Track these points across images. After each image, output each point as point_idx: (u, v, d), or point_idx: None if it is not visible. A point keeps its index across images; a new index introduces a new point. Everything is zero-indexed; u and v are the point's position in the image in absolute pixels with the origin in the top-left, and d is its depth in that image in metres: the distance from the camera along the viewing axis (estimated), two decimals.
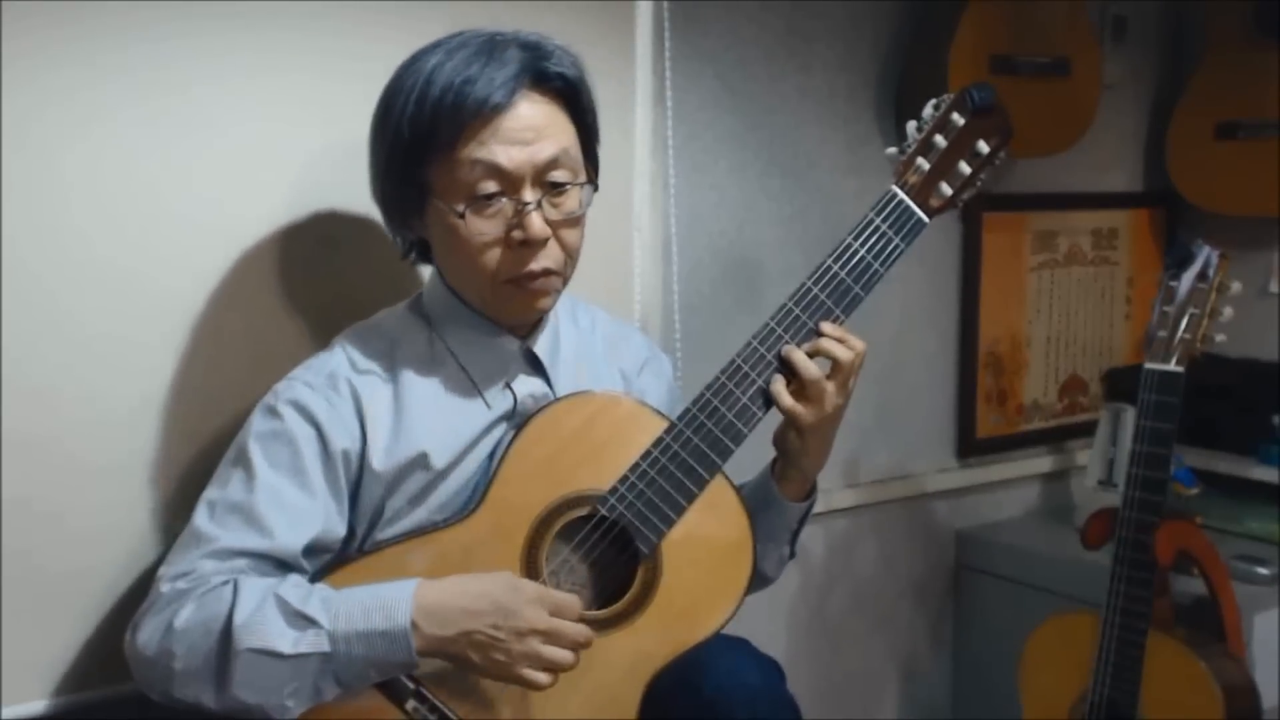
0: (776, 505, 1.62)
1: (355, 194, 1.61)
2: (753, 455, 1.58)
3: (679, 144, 2.20)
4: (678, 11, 2.15)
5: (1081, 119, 2.59)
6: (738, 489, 1.53)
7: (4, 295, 1.52)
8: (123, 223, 1.60)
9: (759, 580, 1.65)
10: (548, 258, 1.47)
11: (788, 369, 1.51)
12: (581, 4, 1.94)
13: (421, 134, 1.42)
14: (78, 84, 1.55)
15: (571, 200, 1.48)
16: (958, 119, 1.56)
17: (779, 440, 1.59)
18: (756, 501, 1.61)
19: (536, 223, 1.44)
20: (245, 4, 1.65)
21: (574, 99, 1.49)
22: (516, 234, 1.44)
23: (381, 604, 1.35)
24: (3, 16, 1.49)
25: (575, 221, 1.49)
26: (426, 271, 1.62)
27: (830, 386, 1.51)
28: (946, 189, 1.57)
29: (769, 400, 1.50)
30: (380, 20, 1.74)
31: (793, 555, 1.70)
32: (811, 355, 1.51)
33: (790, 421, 1.53)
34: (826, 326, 1.51)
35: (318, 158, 1.72)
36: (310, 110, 1.72)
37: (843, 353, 1.50)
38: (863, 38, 2.45)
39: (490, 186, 1.43)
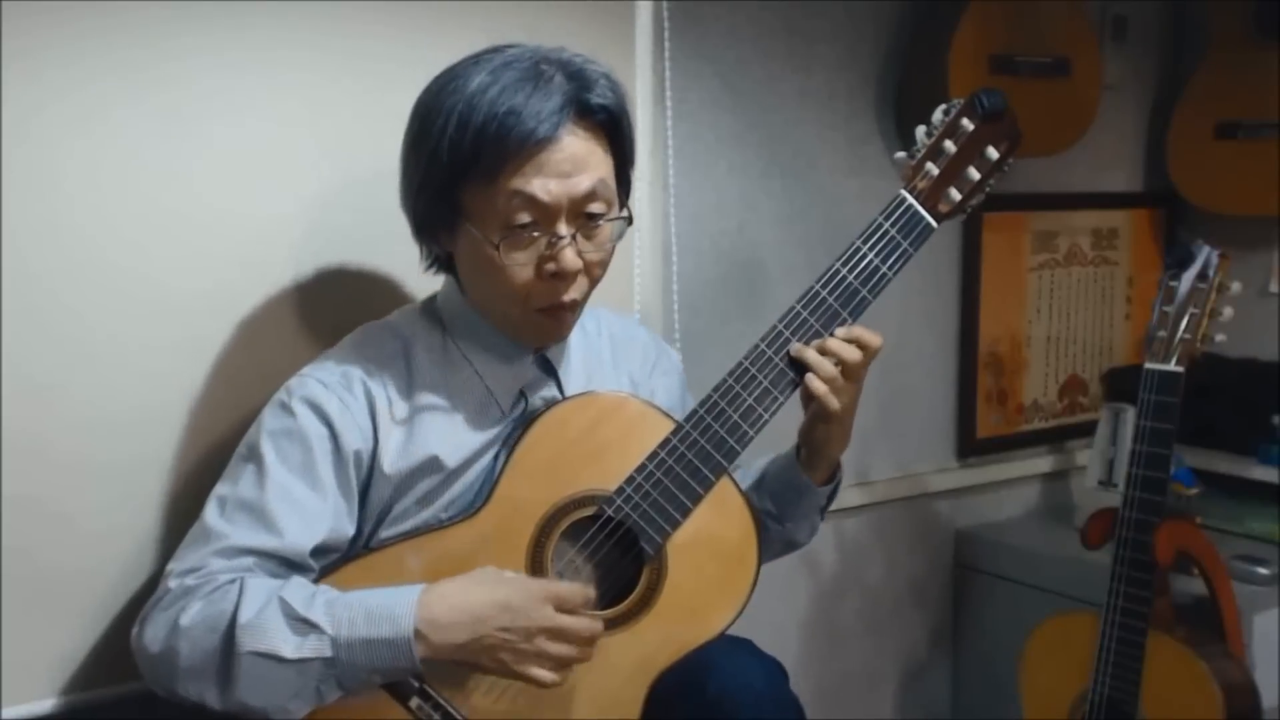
0: (808, 491, 1.64)
1: (366, 192, 1.61)
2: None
3: (679, 144, 2.20)
4: (678, 11, 2.15)
5: (1081, 119, 2.59)
6: (744, 491, 1.54)
7: (6, 295, 1.52)
8: (125, 222, 1.59)
9: (791, 547, 1.71)
10: (576, 290, 1.47)
11: (799, 369, 1.51)
12: (581, 4, 1.94)
13: (462, 160, 1.41)
14: (78, 82, 1.55)
15: (604, 234, 1.48)
16: (967, 124, 1.56)
17: (805, 432, 1.60)
18: (785, 488, 1.64)
19: (569, 257, 1.43)
20: (252, 3, 1.65)
21: (615, 129, 1.48)
22: (549, 266, 1.44)
23: (385, 611, 1.34)
24: (3, 16, 1.49)
25: (606, 256, 1.49)
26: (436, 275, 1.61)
27: (842, 382, 1.52)
28: (955, 194, 1.57)
29: (775, 404, 1.50)
30: (392, 21, 1.74)
31: (822, 519, 1.73)
32: (821, 354, 1.51)
33: (818, 414, 1.54)
34: (840, 333, 1.52)
35: (326, 155, 1.72)
36: (318, 109, 1.71)
37: (850, 355, 1.51)
38: (863, 38, 2.45)
39: (526, 218, 1.42)
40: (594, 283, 1.51)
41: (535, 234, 1.43)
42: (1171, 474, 2.00)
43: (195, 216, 1.64)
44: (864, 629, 2.63)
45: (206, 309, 1.66)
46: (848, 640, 2.61)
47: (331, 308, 1.73)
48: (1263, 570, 2.43)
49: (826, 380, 1.51)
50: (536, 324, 1.50)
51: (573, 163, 1.42)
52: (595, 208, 1.45)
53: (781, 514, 1.67)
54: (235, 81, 1.65)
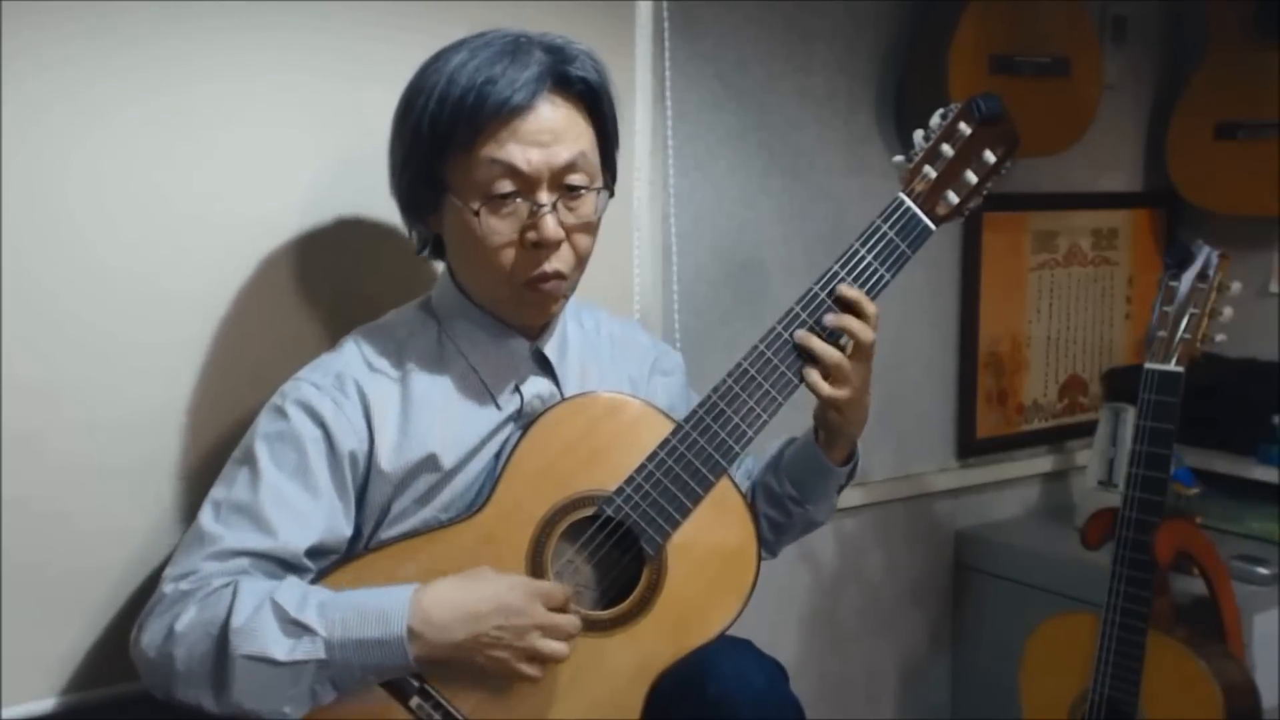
0: (829, 473, 1.64)
1: (364, 193, 1.61)
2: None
3: (679, 144, 2.20)
4: (677, 11, 2.15)
5: (1081, 119, 2.59)
6: (743, 492, 1.54)
7: (6, 295, 1.52)
8: (126, 222, 1.59)
9: (810, 527, 1.72)
10: (559, 261, 1.47)
11: (799, 370, 1.51)
12: (581, 4, 1.94)
13: (441, 131, 1.42)
14: (79, 83, 1.55)
15: (587, 205, 1.48)
16: (964, 128, 1.56)
17: (821, 419, 1.61)
18: (806, 471, 1.65)
19: (551, 225, 1.44)
20: (251, 3, 1.65)
21: (595, 103, 1.49)
22: (530, 235, 1.44)
23: (378, 612, 1.35)
24: (3, 16, 1.49)
25: (589, 226, 1.50)
26: (436, 270, 1.61)
27: (851, 365, 1.52)
28: (953, 197, 1.57)
29: (774, 405, 1.50)
30: (388, 21, 1.74)
31: (839, 494, 1.74)
32: (836, 329, 1.51)
33: (829, 404, 1.54)
34: (843, 289, 1.51)
35: (325, 156, 1.72)
36: (316, 109, 1.71)
37: (864, 334, 1.51)
38: (863, 38, 2.45)
39: (506, 186, 1.43)
40: (581, 259, 1.50)
41: (516, 202, 1.43)
42: (1171, 474, 1.99)
43: (194, 217, 1.64)
44: (864, 629, 2.64)
45: (206, 310, 1.66)
46: (848, 640, 2.61)
47: (331, 308, 1.73)
48: (1263, 570, 2.43)
49: (834, 365, 1.50)
50: (523, 299, 1.49)
51: (551, 133, 1.43)
52: (576, 179, 1.46)
53: (803, 496, 1.67)
54: (235, 82, 1.65)
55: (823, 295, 1.52)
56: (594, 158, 1.48)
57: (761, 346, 1.51)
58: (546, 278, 1.47)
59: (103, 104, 1.56)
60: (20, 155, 1.52)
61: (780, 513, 1.69)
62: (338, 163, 1.72)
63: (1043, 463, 2.87)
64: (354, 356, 1.52)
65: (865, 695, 2.66)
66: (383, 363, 1.52)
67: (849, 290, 1.51)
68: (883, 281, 1.54)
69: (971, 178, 1.57)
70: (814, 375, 1.51)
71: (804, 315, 1.52)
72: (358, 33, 1.73)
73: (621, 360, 1.67)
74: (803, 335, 1.51)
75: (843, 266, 1.53)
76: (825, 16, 2.39)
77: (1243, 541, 2.60)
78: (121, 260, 1.59)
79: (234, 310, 1.67)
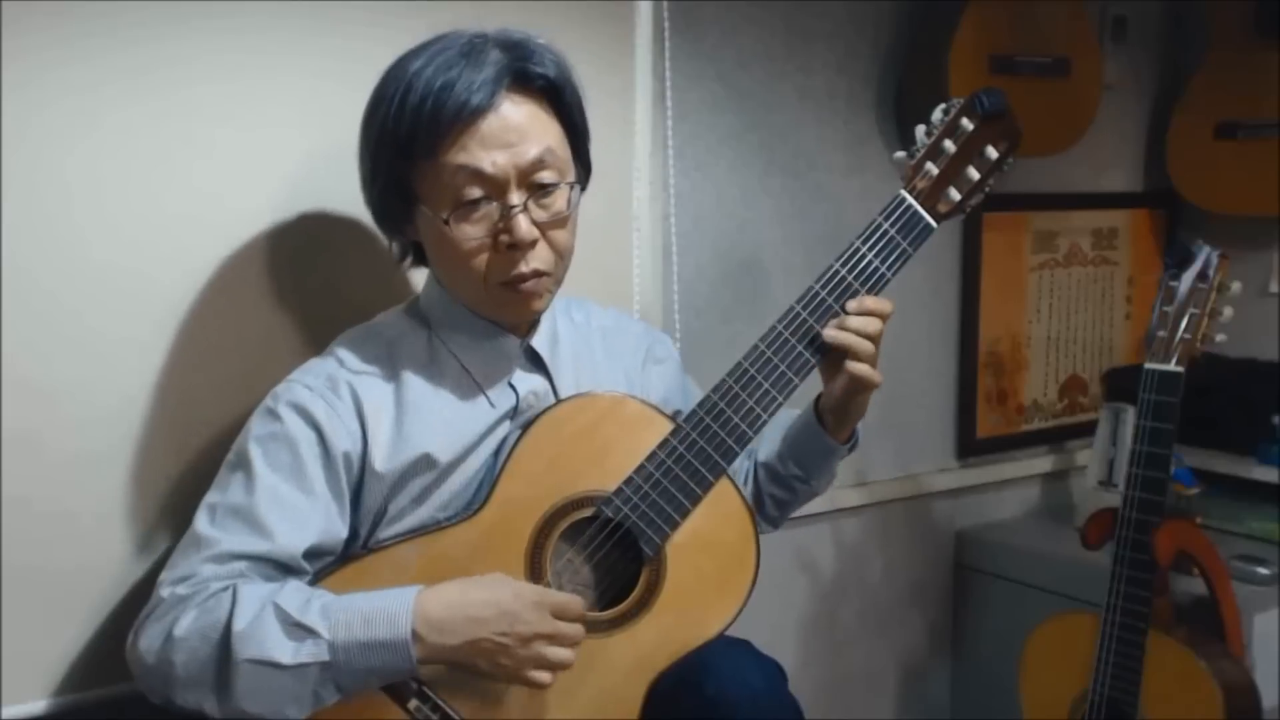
0: (836, 451, 1.67)
1: (351, 194, 1.61)
2: None
3: (679, 144, 2.20)
4: (678, 11, 2.15)
5: (1081, 119, 2.59)
6: (741, 491, 1.54)
7: (4, 294, 1.52)
8: (122, 222, 1.59)
9: (812, 497, 1.75)
10: (537, 259, 1.46)
11: (799, 369, 1.51)
12: (581, 4, 1.94)
13: (402, 142, 1.42)
14: (77, 84, 1.55)
15: (559, 200, 1.47)
16: (967, 124, 1.56)
17: (837, 407, 1.61)
18: (812, 454, 1.67)
19: (523, 225, 1.43)
20: (242, 4, 1.65)
21: (557, 98, 1.47)
22: (504, 238, 1.44)
23: (382, 613, 1.34)
24: (3, 16, 1.49)
25: (564, 221, 1.48)
26: (421, 271, 1.61)
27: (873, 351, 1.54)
28: (955, 194, 1.57)
29: (774, 404, 1.51)
30: (376, 20, 1.73)
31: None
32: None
33: (856, 389, 1.56)
34: (853, 305, 1.52)
35: (313, 157, 1.72)
36: (306, 110, 1.71)
37: (871, 327, 1.52)
38: (863, 38, 2.45)
39: (475, 192, 1.42)
40: (561, 255, 1.50)
41: (486, 206, 1.43)
42: (1171, 474, 1.99)
43: (193, 217, 1.64)
44: (863, 629, 2.63)
45: (205, 309, 1.66)
46: (847, 641, 2.61)
47: (330, 306, 1.73)
48: (1263, 570, 2.43)
49: (867, 358, 1.52)
50: (504, 300, 1.49)
51: (517, 132, 1.42)
52: (546, 176, 1.45)
53: (808, 475, 1.70)
54: (229, 84, 1.65)
55: (824, 294, 1.52)
56: (562, 152, 1.47)
57: (762, 346, 1.51)
58: (525, 277, 1.46)
59: (102, 104, 1.56)
60: (19, 155, 1.52)
61: (785, 491, 1.72)
62: (336, 163, 1.72)
63: (1043, 463, 2.87)
64: (345, 358, 1.52)
65: (865, 696, 2.66)
66: (374, 364, 1.52)
67: (869, 302, 1.52)
68: (884, 279, 1.54)
69: (974, 174, 1.57)
70: (860, 366, 1.52)
71: (805, 314, 1.52)
72: (355, 34, 1.73)
73: (615, 353, 1.67)
74: (833, 334, 1.51)
75: (844, 265, 1.53)
76: (825, 17, 2.39)
77: (1243, 541, 2.60)
78: (119, 259, 1.59)
79: (230, 309, 1.67)
